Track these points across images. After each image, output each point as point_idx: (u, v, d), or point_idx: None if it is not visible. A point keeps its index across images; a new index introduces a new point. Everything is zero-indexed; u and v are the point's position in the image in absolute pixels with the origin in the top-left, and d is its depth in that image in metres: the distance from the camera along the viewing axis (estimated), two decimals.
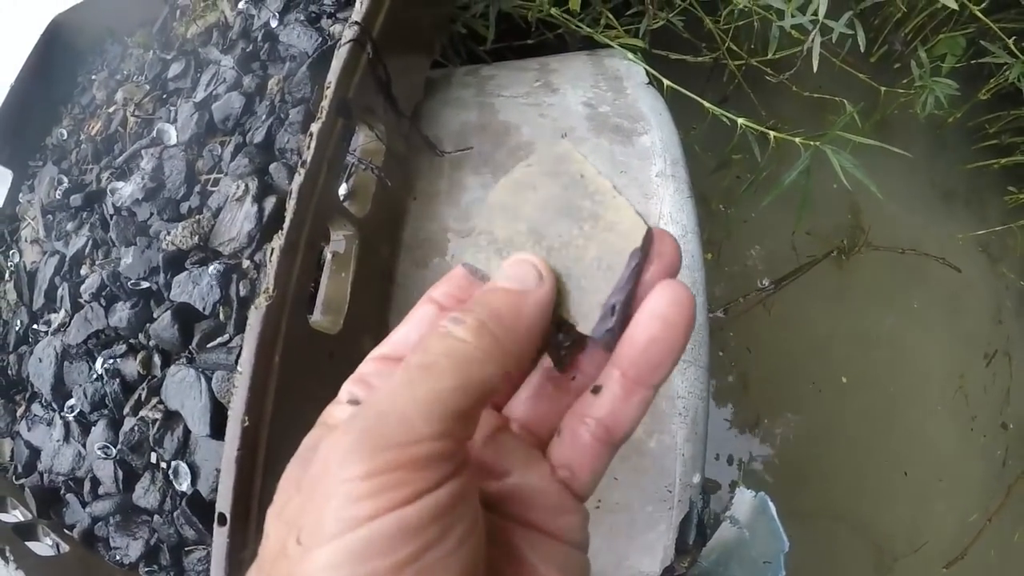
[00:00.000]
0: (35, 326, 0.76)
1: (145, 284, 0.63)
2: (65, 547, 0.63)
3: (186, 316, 0.57)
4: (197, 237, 0.58)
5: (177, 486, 0.55)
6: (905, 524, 1.07)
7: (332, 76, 0.48)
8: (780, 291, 1.12)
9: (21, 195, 0.88)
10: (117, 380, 0.61)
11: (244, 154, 0.60)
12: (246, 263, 0.56)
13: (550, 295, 0.21)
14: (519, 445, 0.22)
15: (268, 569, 0.18)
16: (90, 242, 0.72)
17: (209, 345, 0.55)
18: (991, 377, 1.14)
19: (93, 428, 0.64)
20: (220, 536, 0.41)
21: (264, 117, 0.61)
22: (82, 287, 0.70)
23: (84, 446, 0.65)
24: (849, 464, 1.08)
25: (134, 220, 0.67)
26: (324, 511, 0.16)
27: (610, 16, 0.71)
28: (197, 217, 0.60)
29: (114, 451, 0.60)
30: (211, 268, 0.56)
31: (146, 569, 0.58)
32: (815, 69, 0.70)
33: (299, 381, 0.43)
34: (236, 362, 0.52)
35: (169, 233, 0.60)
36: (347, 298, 0.47)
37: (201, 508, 0.55)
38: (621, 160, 0.58)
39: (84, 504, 0.65)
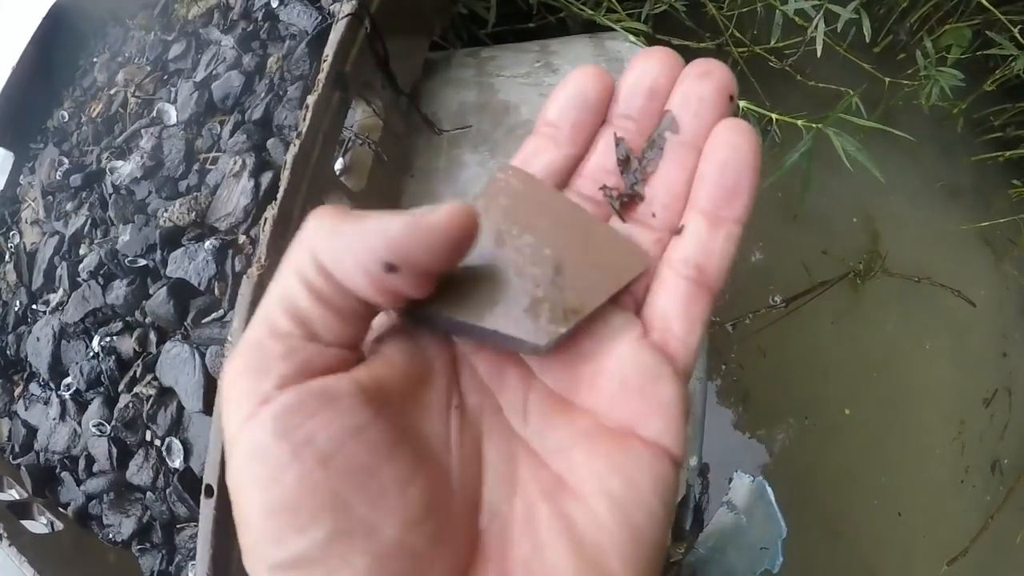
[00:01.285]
0: (34, 306, 0.75)
1: (142, 262, 0.62)
2: (60, 525, 0.62)
3: (182, 292, 0.57)
4: (194, 214, 0.58)
5: (170, 463, 0.54)
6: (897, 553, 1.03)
7: (329, 49, 0.47)
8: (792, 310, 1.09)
9: (22, 177, 0.88)
10: (113, 358, 0.61)
11: (242, 131, 0.59)
12: (242, 238, 0.55)
13: None
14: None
15: None
16: (89, 221, 0.71)
17: (204, 321, 0.55)
18: (989, 419, 1.10)
19: (89, 406, 0.63)
20: (207, 508, 0.40)
21: (263, 95, 0.60)
22: (80, 266, 0.70)
23: (80, 424, 0.64)
24: (844, 496, 1.04)
25: (132, 198, 0.67)
26: None
27: (612, 0, 0.69)
28: (195, 194, 0.59)
29: (108, 428, 0.59)
30: (207, 244, 0.55)
31: (138, 546, 0.57)
32: (819, 54, 0.69)
33: None
34: (220, 341, 0.51)
35: (167, 210, 0.60)
36: None
37: (193, 485, 0.54)
38: None
39: (79, 482, 0.64)
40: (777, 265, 1.09)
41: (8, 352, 0.78)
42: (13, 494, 0.67)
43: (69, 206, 0.75)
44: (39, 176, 0.84)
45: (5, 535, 0.54)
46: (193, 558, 0.53)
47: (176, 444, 0.54)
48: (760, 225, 1.08)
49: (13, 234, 0.84)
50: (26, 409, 0.72)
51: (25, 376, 0.75)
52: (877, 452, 1.08)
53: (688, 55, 0.22)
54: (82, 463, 0.63)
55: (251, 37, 0.66)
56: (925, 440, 1.08)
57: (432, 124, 0.56)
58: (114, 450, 0.59)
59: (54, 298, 0.74)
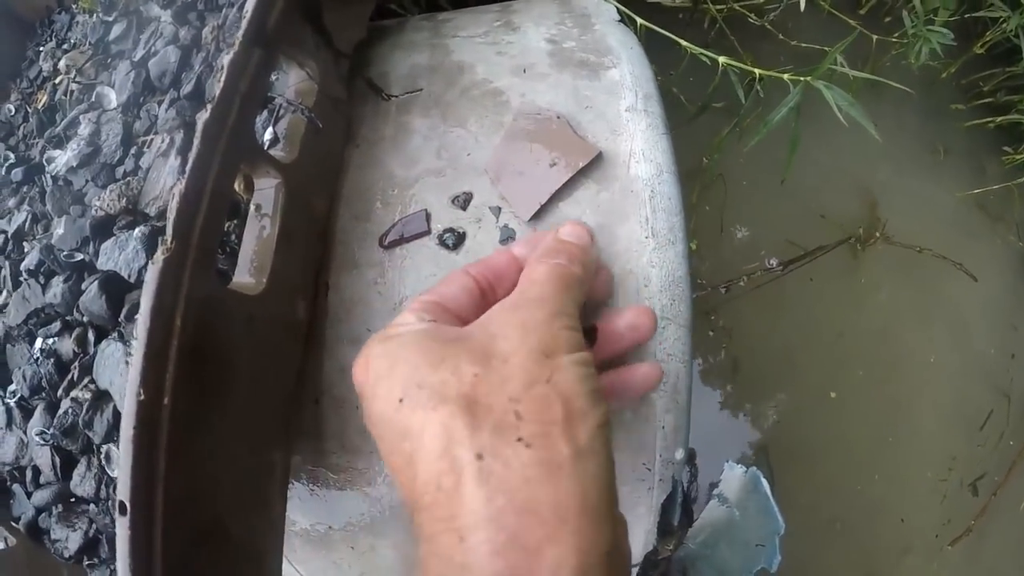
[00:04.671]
0: None
1: (79, 256, 0.55)
2: (13, 540, 0.56)
3: (115, 286, 0.50)
4: (125, 200, 0.51)
5: (110, 472, 0.48)
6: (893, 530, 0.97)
7: (248, 1, 0.39)
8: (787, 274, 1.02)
9: None
10: (51, 360, 0.54)
11: (174, 107, 0.52)
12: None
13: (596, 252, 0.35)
14: None
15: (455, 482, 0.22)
16: (30, 217, 0.64)
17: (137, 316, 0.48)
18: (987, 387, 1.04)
19: (33, 413, 0.57)
20: (122, 528, 0.34)
21: (198, 68, 0.53)
22: (22, 264, 0.63)
23: (25, 433, 0.57)
24: (838, 473, 0.97)
25: (70, 189, 0.60)
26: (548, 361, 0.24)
27: None
28: (128, 179, 0.52)
29: (48, 436, 0.53)
30: (136, 232, 0.48)
31: (87, 562, 0.51)
32: (802, 8, 0.61)
33: (209, 346, 0.35)
34: None
35: (99, 199, 0.53)
36: (271, 255, 0.39)
37: None
38: (586, 95, 0.49)
39: (28, 495, 0.58)
40: (767, 233, 1.01)
41: None
42: None
43: (11, 202, 0.68)
44: None
45: None
46: None
47: (115, 451, 0.47)
48: (749, 190, 1.01)
49: None
50: None
51: None
52: (870, 428, 1.01)
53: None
54: (29, 474, 0.57)
55: (188, 8, 0.59)
56: (923, 418, 1.01)
57: (380, 89, 0.49)
58: (57, 459, 0.53)
59: None
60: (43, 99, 0.75)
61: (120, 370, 0.47)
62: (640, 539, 0.45)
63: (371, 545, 0.48)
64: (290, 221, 0.40)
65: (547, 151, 0.46)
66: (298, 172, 0.41)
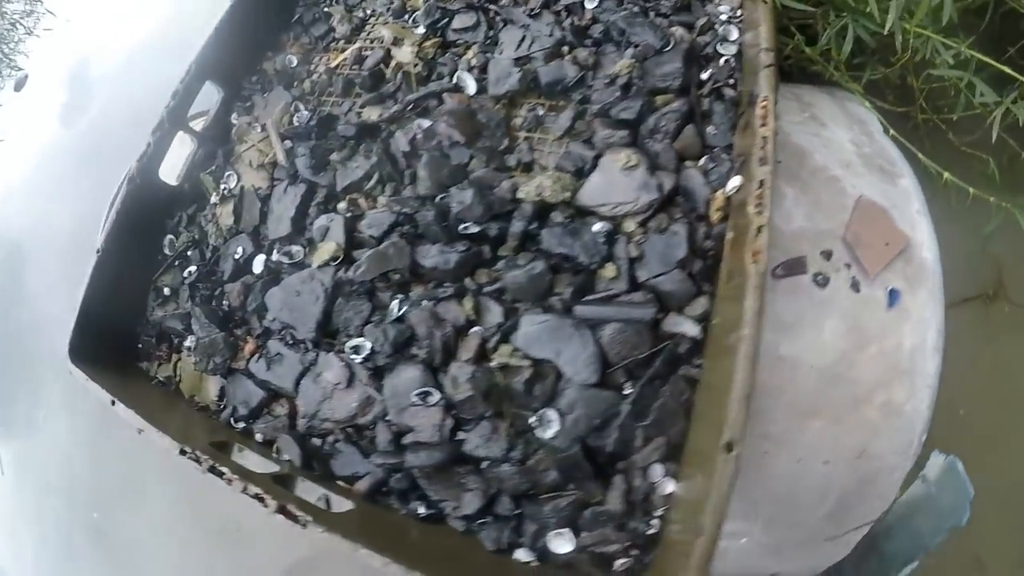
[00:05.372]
0: (273, 256, 0.66)
1: (476, 229, 0.58)
2: (340, 500, 0.55)
3: (559, 266, 0.55)
4: (568, 193, 0.56)
5: (541, 433, 0.52)
6: None
7: (766, 90, 0.51)
8: None
9: (235, 116, 0.75)
10: (448, 326, 0.56)
11: (605, 125, 0.59)
12: (632, 226, 0.55)
13: None
14: None
15: None
16: (369, 174, 0.64)
17: (587, 297, 0.54)
18: None
19: (390, 374, 0.57)
20: (728, 464, 0.41)
21: (620, 95, 0.60)
22: (363, 222, 0.63)
23: (380, 391, 0.57)
24: None
25: (447, 162, 0.62)
26: None
27: (841, 63, 0.78)
28: (559, 175, 0.58)
29: (438, 398, 0.54)
30: (597, 226, 0.55)
31: (479, 520, 0.53)
32: (993, 140, 0.73)
33: None
34: (618, 319, 0.51)
35: (533, 184, 0.57)
36: None
37: (562, 454, 0.52)
38: (891, 197, 0.66)
39: (365, 454, 0.57)
40: None
41: (227, 303, 0.66)
42: (272, 465, 0.58)
43: (335, 156, 0.67)
44: (268, 119, 0.73)
45: (311, 519, 0.48)
46: (555, 528, 0.51)
47: (551, 414, 0.52)
48: None
49: (229, 176, 0.72)
50: (268, 369, 0.62)
51: (258, 332, 0.64)
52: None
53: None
54: (382, 433, 0.56)
55: (579, 33, 0.66)
56: None
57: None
58: (447, 421, 0.54)
59: (297, 251, 0.65)
60: (338, 59, 0.74)
61: (571, 343, 0.52)
62: (888, 501, 0.59)
63: None
64: None
65: (881, 233, 0.63)
66: None
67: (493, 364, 0.54)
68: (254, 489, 0.50)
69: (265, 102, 0.76)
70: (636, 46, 0.63)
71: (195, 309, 0.67)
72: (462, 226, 0.58)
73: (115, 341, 0.71)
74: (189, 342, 0.68)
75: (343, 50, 0.74)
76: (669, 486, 0.48)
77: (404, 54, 0.69)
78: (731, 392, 0.42)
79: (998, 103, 0.72)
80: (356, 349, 0.58)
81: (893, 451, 0.58)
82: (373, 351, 0.58)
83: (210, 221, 0.73)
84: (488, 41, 0.69)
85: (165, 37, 1.73)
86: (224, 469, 0.53)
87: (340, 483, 0.57)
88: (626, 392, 0.51)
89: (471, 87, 0.66)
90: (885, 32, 0.60)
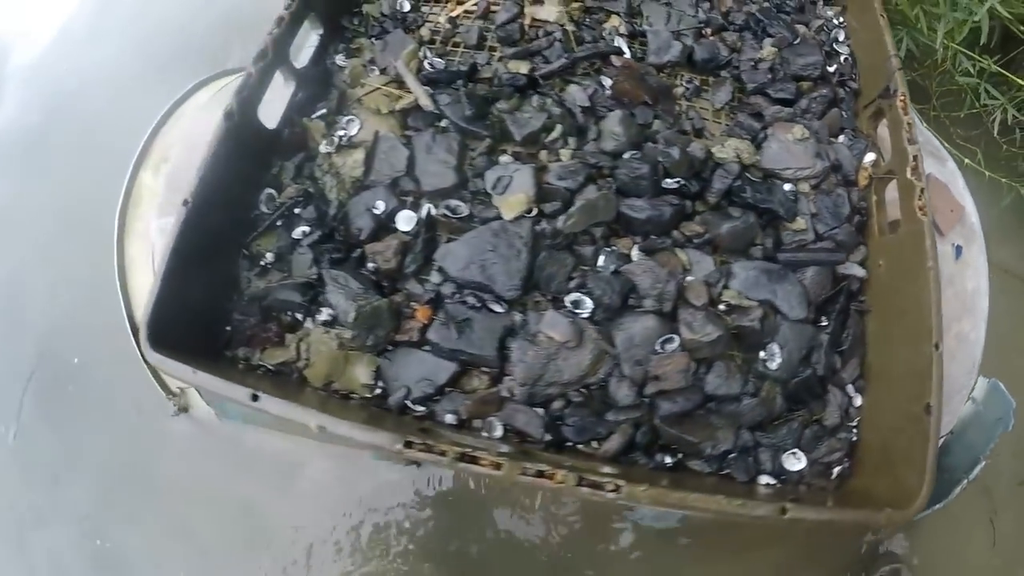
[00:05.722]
0: (429, 211, 0.58)
1: (675, 185, 0.59)
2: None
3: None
4: (758, 157, 0.62)
5: (768, 366, 0.56)
6: None
7: (902, 87, 0.63)
8: None
9: (339, 58, 0.64)
10: (677, 275, 0.56)
11: (768, 101, 0.67)
12: (806, 188, 0.62)
13: None
14: None
15: None
16: (547, 127, 0.61)
17: (784, 245, 0.60)
18: None
19: (619, 326, 0.54)
20: (938, 360, 0.50)
21: (771, 78, 0.68)
22: (549, 174, 0.59)
23: (612, 344, 0.54)
24: None
25: (634, 120, 0.62)
26: None
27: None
28: (740, 142, 0.62)
29: (677, 343, 0.54)
30: (787, 186, 0.61)
31: (729, 456, 0.53)
32: (995, 134, 0.95)
33: None
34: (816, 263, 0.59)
35: (718, 147, 0.62)
36: None
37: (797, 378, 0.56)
38: (945, 175, 0.80)
39: (597, 413, 0.53)
40: None
41: (373, 266, 0.56)
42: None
43: (503, 105, 0.61)
44: (387, 62, 0.64)
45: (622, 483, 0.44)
46: (790, 449, 0.54)
47: (775, 348, 0.56)
48: None
49: (349, 121, 0.60)
50: (459, 336, 0.54)
51: (425, 297, 0.55)
52: None
53: None
54: (619, 389, 0.53)
55: (725, 16, 0.72)
56: None
57: None
58: (693, 365, 0.54)
59: (459, 205, 0.58)
60: (458, 10, 0.68)
61: (784, 286, 0.57)
62: (953, 420, 0.76)
63: None
64: None
65: (946, 202, 0.79)
66: None
67: (721, 308, 0.56)
68: (538, 468, 0.43)
69: (384, 44, 0.66)
70: (772, 36, 0.71)
71: (333, 274, 0.56)
72: (665, 181, 0.59)
73: (199, 326, 0.55)
74: (324, 316, 0.56)
75: (461, 1, 0.69)
76: (859, 399, 0.58)
77: (549, 12, 0.67)
78: (932, 307, 0.52)
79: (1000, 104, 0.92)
80: (576, 304, 0.55)
81: (963, 372, 0.74)
82: (599, 304, 0.55)
83: (326, 172, 0.61)
84: (630, 12, 0.71)
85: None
86: (480, 453, 0.43)
87: (580, 447, 0.53)
88: (822, 324, 0.58)
89: (627, 53, 0.67)
90: (937, 46, 0.78)
